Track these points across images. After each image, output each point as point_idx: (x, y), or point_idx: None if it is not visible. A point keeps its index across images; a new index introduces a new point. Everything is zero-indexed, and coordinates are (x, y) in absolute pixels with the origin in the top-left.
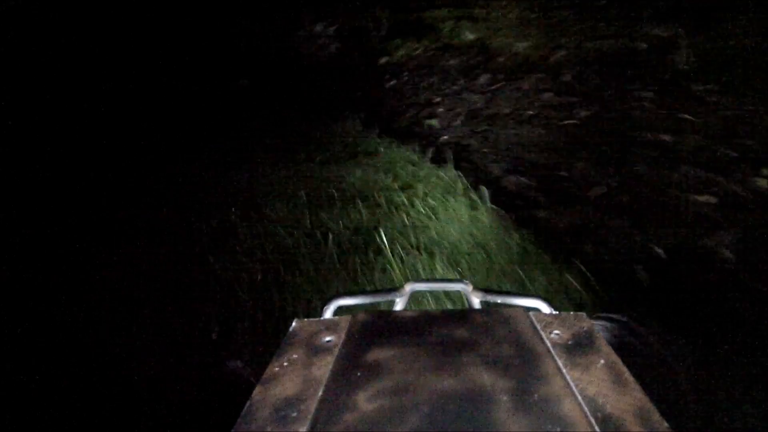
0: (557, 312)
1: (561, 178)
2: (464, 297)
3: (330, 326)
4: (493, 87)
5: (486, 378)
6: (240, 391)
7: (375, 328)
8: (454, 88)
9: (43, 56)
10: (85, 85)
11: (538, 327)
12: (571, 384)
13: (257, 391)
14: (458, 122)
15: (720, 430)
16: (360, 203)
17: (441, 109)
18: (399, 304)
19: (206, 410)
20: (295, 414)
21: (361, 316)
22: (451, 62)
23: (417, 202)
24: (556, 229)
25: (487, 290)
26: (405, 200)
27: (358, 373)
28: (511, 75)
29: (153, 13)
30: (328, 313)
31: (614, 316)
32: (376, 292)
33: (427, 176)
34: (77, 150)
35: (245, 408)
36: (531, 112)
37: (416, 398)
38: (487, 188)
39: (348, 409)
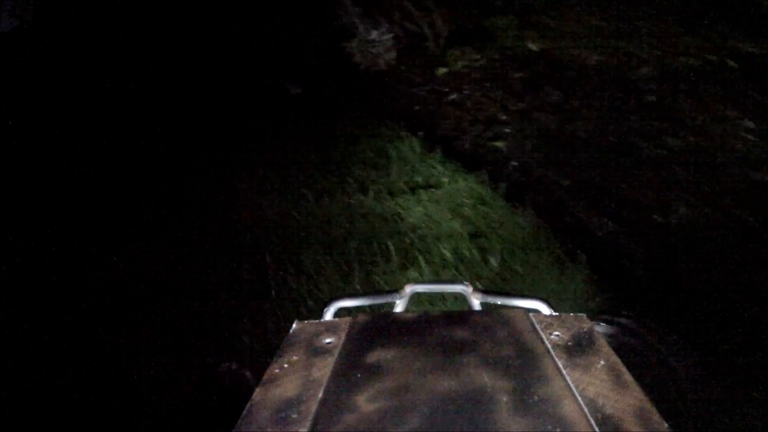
0: (557, 313)
1: (658, 224)
2: (465, 299)
3: (330, 328)
4: (566, 106)
5: (486, 379)
6: (240, 391)
7: (375, 330)
8: (521, 105)
9: (48, 56)
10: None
11: (538, 328)
12: (571, 385)
13: (258, 392)
14: (529, 146)
15: (720, 430)
16: (421, 259)
17: (508, 130)
18: (399, 306)
19: (206, 410)
20: (295, 415)
21: (361, 318)
22: (516, 75)
23: (492, 261)
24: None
25: (487, 292)
26: (477, 255)
27: (359, 375)
28: (585, 92)
29: (203, 16)
30: (329, 315)
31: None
32: (376, 293)
33: (503, 222)
34: (77, 150)
35: (246, 409)
36: (612, 139)
37: (416, 399)
38: (571, 232)
39: (348, 409)
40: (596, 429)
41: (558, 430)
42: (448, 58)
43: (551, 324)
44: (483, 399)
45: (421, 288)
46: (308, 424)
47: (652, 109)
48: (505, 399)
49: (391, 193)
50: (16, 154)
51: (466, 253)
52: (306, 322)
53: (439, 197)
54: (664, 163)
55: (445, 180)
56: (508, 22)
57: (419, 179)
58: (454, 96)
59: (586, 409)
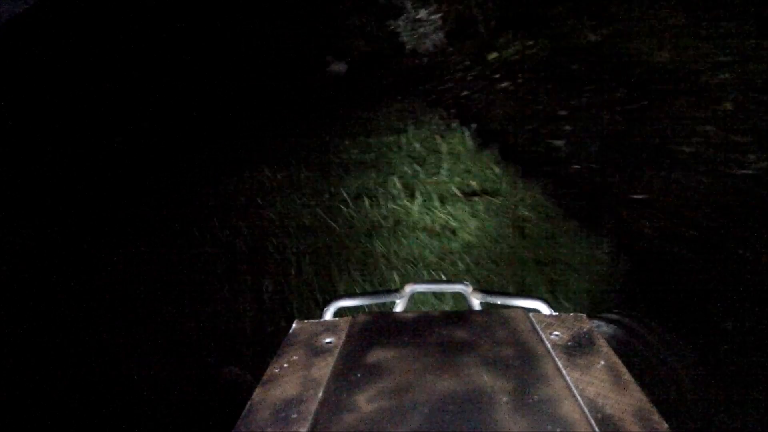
0: (557, 313)
1: (741, 259)
2: (465, 298)
3: (330, 327)
4: (632, 106)
5: (486, 379)
6: (240, 391)
7: (375, 330)
8: (582, 100)
9: (51, 55)
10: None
11: (538, 328)
12: (571, 385)
13: (257, 392)
14: (593, 148)
15: (720, 430)
16: None
17: (568, 127)
18: (399, 306)
19: (206, 410)
20: (295, 415)
21: (361, 318)
22: (574, 67)
23: (566, 304)
24: None
25: (487, 291)
26: (546, 291)
27: (358, 374)
28: (654, 92)
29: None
30: (328, 315)
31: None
32: (376, 293)
33: (574, 248)
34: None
35: (246, 409)
36: (688, 149)
37: (416, 399)
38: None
39: (348, 409)
40: (596, 429)
41: (558, 430)
42: (499, 43)
43: (551, 324)
44: (483, 399)
45: (421, 288)
46: (308, 424)
47: (729, 119)
48: (504, 399)
49: (441, 200)
50: (16, 154)
51: (532, 287)
52: (306, 321)
53: (497, 208)
54: (745, 186)
55: (505, 187)
56: (565, 10)
57: (474, 183)
58: (505, 84)
59: (586, 409)
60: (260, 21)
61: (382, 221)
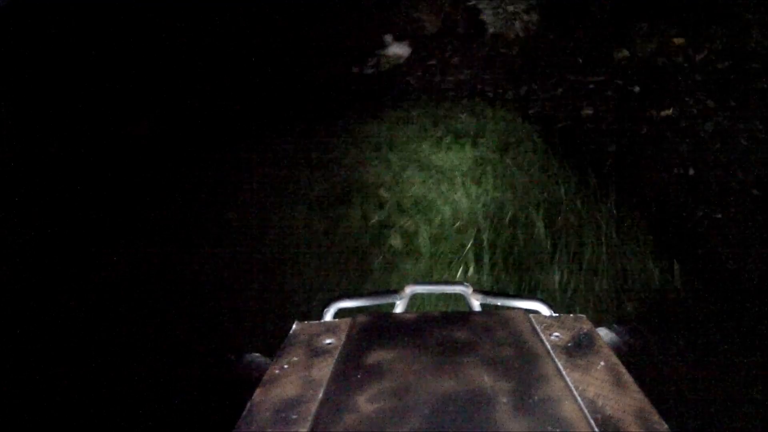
0: (557, 314)
1: None
2: (465, 299)
3: (330, 328)
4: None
5: (486, 380)
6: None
7: (375, 330)
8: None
9: (51, 52)
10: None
11: (538, 329)
12: (571, 386)
13: (258, 393)
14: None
15: (720, 430)
16: None
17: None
18: (399, 307)
19: (206, 410)
20: (295, 416)
21: (362, 318)
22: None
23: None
24: None
25: (487, 292)
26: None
27: (359, 375)
28: None
29: None
30: (329, 316)
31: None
32: (376, 294)
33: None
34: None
35: (246, 409)
36: None
37: (416, 400)
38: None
39: (348, 410)
40: (596, 430)
41: (558, 430)
42: (629, 36)
43: (551, 325)
44: (483, 400)
45: (421, 288)
46: (308, 424)
47: None
48: (504, 400)
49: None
50: (18, 154)
51: None
52: (306, 322)
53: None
54: None
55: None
56: None
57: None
58: (668, 111)
59: (585, 410)
60: None
61: None
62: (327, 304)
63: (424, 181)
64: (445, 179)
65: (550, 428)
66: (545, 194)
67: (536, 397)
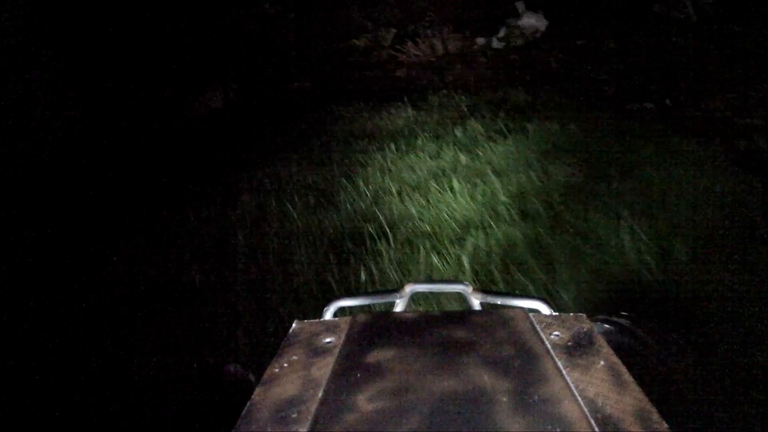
0: (557, 313)
1: None
2: (465, 298)
3: (330, 327)
4: None
5: (486, 379)
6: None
7: (375, 329)
8: None
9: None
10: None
11: (538, 328)
12: (571, 385)
13: (257, 392)
14: None
15: (720, 430)
16: None
17: None
18: (399, 306)
19: (206, 410)
20: (295, 415)
21: (361, 317)
22: None
23: None
24: None
25: (487, 291)
26: None
27: (358, 374)
28: None
29: None
30: (328, 315)
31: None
32: (376, 293)
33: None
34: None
35: (245, 409)
36: None
37: (416, 399)
38: None
39: (348, 409)
40: (596, 429)
41: (558, 430)
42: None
43: (551, 324)
44: (483, 399)
45: (421, 287)
46: (308, 424)
47: None
48: (504, 399)
49: None
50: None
51: None
52: (306, 321)
53: None
54: None
55: None
56: None
57: None
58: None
59: (585, 410)
60: None
61: None
62: (327, 302)
63: None
64: None
65: (550, 427)
66: None
67: (536, 397)
